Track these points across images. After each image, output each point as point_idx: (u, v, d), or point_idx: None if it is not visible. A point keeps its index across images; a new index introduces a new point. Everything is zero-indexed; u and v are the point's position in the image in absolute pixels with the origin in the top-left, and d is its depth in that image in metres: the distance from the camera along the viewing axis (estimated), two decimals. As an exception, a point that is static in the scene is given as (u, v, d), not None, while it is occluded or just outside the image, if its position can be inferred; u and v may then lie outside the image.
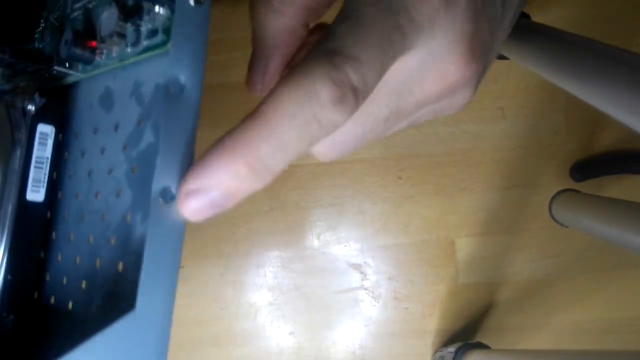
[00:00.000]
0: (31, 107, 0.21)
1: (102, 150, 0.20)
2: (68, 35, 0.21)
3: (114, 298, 0.18)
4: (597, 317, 0.64)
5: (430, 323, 0.64)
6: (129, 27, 0.21)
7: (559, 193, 0.62)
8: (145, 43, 0.20)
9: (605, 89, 0.32)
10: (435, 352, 0.63)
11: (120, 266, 0.19)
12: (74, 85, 0.23)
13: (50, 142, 0.20)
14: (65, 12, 0.24)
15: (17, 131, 0.20)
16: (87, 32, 0.22)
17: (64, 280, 0.20)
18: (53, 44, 0.24)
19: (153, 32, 0.20)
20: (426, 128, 0.64)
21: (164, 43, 0.19)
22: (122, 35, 0.21)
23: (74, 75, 0.23)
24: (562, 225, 0.62)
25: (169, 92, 0.17)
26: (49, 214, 0.21)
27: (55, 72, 0.23)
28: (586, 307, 0.64)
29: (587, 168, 0.63)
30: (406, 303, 0.64)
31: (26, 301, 0.20)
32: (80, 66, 0.22)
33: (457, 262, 0.64)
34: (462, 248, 0.64)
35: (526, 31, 0.48)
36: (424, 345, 0.64)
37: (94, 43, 0.21)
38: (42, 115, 0.20)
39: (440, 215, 0.64)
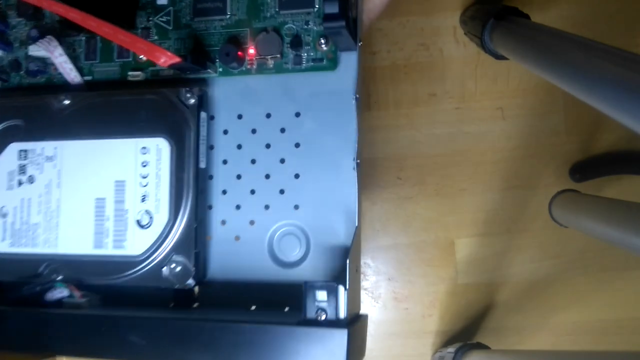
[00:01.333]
0: (193, 100, 0.27)
1: (253, 131, 0.28)
2: (229, 48, 0.27)
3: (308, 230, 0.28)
4: (597, 317, 0.63)
5: (430, 323, 0.64)
6: (289, 51, 0.28)
7: (558, 193, 0.62)
8: (308, 64, 0.27)
9: (604, 88, 0.32)
10: (435, 352, 0.63)
11: (298, 207, 0.28)
12: (209, 80, 0.30)
13: (205, 124, 0.28)
14: (182, 18, 0.30)
15: (187, 116, 0.27)
16: (235, 45, 0.28)
17: (224, 222, 0.29)
18: (179, 45, 0.30)
19: (317, 60, 0.27)
20: (426, 128, 0.64)
21: (330, 68, 0.27)
22: (281, 54, 0.28)
23: (213, 75, 0.29)
24: (562, 225, 0.62)
25: (355, 101, 0.27)
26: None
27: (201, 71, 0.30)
28: (586, 308, 0.63)
29: (587, 168, 0.62)
30: (406, 304, 0.64)
31: (200, 242, 0.28)
32: (222, 69, 0.29)
33: (456, 262, 0.64)
34: (461, 248, 0.64)
35: (525, 31, 0.48)
36: (424, 346, 0.64)
37: (242, 54, 0.28)
38: (201, 104, 0.28)
39: (440, 216, 0.64)
